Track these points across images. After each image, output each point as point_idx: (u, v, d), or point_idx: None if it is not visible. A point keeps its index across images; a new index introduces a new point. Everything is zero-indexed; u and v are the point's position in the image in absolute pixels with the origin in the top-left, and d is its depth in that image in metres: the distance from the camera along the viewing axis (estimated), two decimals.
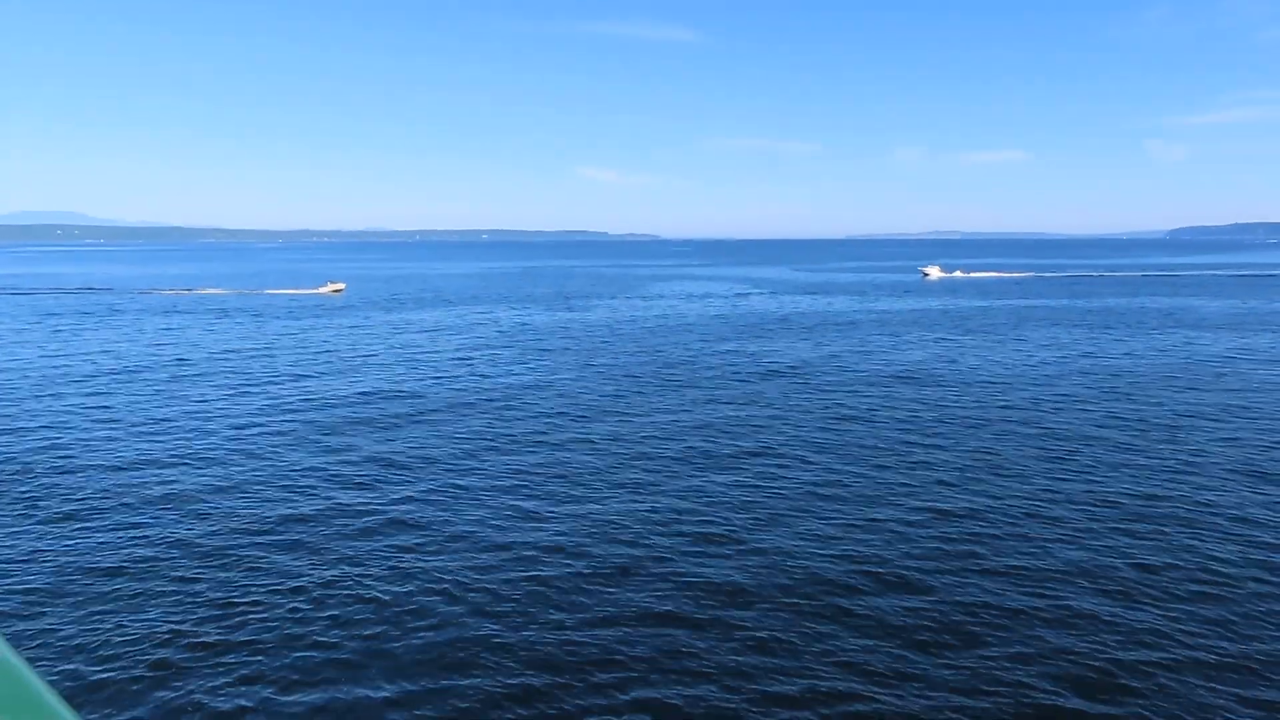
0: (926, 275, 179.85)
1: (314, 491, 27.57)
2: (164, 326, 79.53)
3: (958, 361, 55.94)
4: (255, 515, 25.14)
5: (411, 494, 27.25)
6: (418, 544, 22.88)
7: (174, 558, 21.96)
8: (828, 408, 40.68)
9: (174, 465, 30.68)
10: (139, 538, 23.33)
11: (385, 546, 22.75)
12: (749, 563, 21.57)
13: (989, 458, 31.48)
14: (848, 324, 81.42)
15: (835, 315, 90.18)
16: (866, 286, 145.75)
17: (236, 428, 36.65)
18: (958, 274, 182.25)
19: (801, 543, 22.87)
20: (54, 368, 53.81)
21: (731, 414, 39.27)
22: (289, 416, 38.92)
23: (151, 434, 35.48)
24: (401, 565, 21.49)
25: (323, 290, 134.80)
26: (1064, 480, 28.56)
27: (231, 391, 45.44)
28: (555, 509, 25.83)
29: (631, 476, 29.25)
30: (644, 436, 34.96)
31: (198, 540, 23.12)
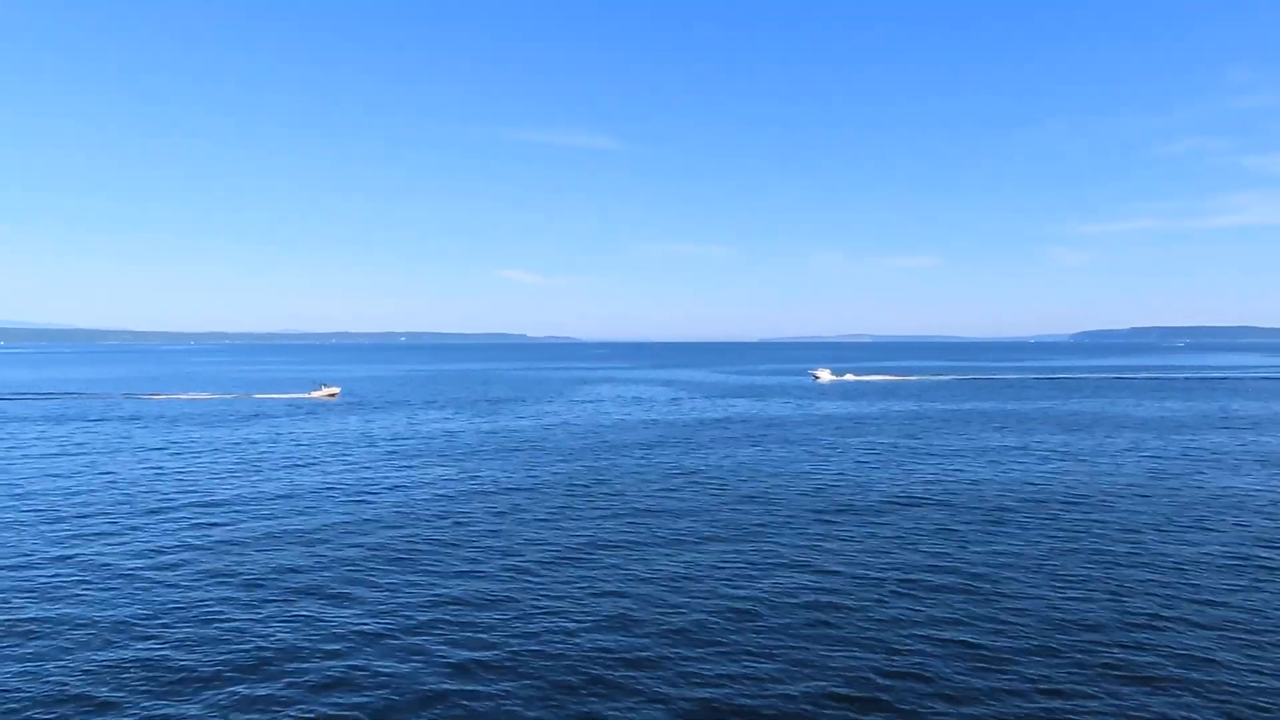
0: (817, 378, 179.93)
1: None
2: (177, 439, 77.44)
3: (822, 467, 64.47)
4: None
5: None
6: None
7: None
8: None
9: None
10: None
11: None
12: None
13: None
14: (738, 425, 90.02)
15: (727, 420, 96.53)
16: (761, 389, 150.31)
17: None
18: (848, 377, 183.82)
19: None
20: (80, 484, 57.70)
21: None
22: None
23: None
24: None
25: (315, 395, 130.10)
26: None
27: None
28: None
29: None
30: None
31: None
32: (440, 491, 51.15)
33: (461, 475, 57.11)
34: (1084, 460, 62.74)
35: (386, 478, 56.00)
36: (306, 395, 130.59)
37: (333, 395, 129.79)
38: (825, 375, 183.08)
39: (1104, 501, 47.16)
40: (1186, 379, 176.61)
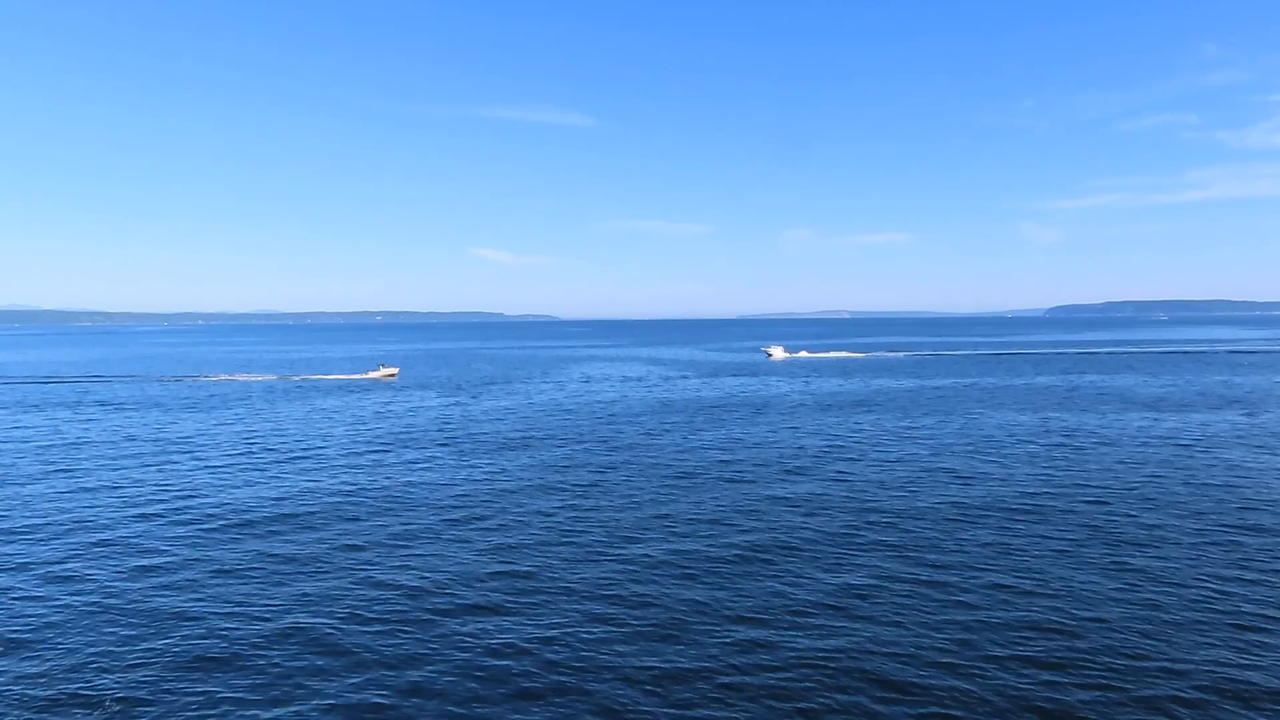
0: (770, 355, 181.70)
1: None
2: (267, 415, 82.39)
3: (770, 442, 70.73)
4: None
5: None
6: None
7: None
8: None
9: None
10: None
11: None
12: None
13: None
14: (696, 401, 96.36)
15: (686, 396, 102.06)
16: (718, 366, 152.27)
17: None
18: (802, 354, 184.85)
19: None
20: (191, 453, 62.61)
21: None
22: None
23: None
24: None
25: (374, 375, 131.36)
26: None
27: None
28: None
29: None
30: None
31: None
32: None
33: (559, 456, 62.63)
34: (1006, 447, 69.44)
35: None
36: (365, 376, 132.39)
37: (391, 376, 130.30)
38: (778, 353, 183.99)
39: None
40: (1185, 353, 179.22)
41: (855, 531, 37.45)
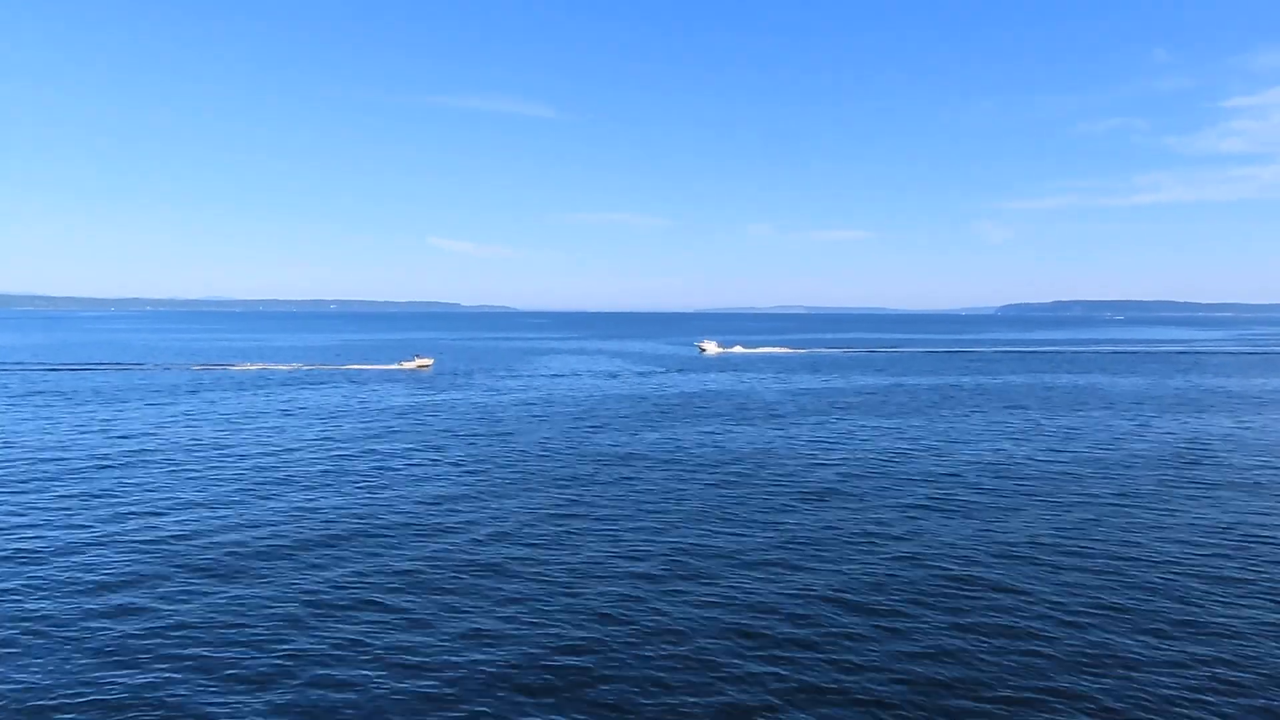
0: (704, 350, 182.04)
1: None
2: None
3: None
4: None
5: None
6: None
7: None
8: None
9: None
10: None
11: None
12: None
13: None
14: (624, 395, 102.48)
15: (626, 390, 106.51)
16: (652, 360, 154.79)
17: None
18: (737, 349, 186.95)
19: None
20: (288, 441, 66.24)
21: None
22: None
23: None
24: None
25: (408, 366, 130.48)
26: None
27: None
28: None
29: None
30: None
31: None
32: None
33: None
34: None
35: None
36: (399, 366, 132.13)
37: (425, 366, 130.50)
38: (712, 348, 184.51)
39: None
40: (1150, 353, 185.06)
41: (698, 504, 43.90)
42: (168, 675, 23.59)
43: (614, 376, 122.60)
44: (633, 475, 49.67)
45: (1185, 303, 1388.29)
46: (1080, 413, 79.25)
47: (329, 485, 46.32)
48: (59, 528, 37.70)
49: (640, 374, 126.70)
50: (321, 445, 59.69)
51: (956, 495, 44.76)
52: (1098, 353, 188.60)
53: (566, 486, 46.42)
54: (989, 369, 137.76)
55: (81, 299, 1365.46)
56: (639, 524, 38.78)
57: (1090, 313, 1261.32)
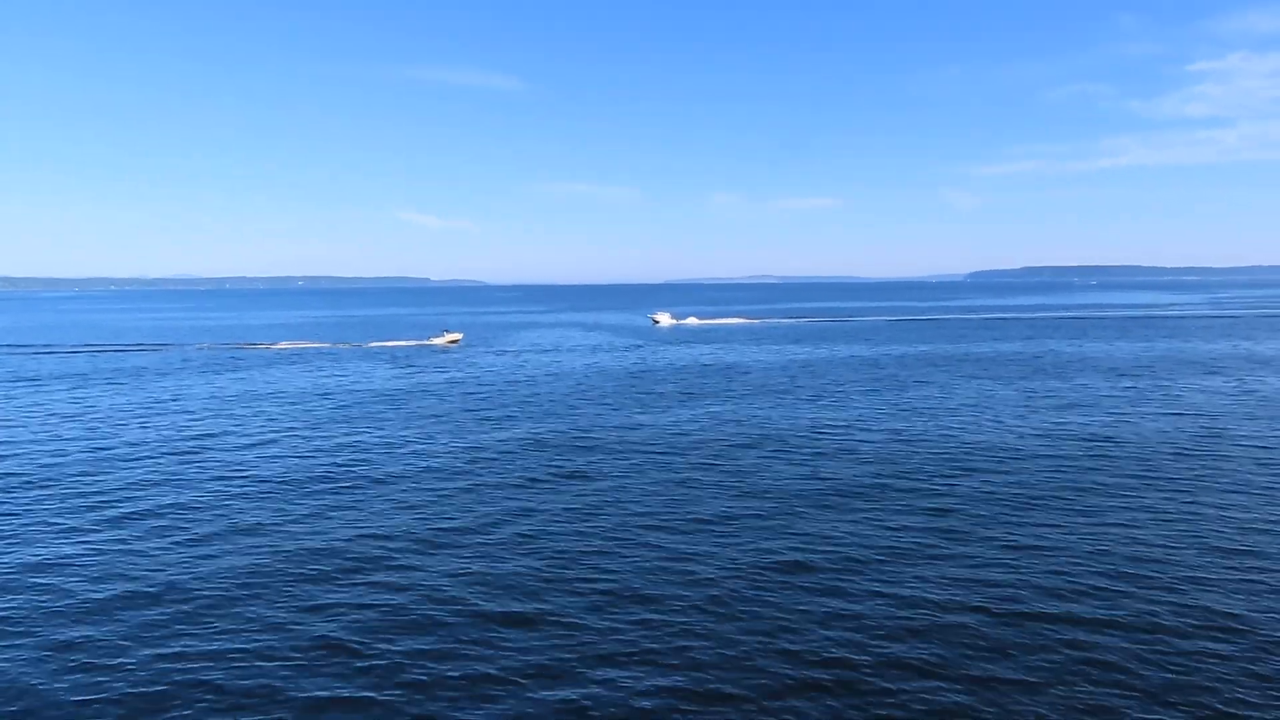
0: (657, 323, 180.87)
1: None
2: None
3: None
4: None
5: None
6: None
7: None
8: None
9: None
10: None
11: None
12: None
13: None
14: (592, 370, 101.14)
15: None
16: (604, 331, 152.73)
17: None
18: (691, 320, 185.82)
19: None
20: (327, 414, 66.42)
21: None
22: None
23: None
24: None
25: (438, 341, 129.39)
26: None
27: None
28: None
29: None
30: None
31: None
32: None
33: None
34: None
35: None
36: (428, 342, 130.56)
37: (454, 341, 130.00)
38: (665, 319, 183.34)
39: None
40: (1134, 318, 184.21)
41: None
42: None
43: (592, 347, 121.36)
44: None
45: (1151, 267, 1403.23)
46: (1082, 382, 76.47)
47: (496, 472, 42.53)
48: (210, 510, 36.66)
49: (605, 350, 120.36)
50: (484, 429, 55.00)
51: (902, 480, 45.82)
52: (1083, 319, 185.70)
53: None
54: (972, 336, 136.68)
55: (43, 279, 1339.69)
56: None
57: (1059, 278, 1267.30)
